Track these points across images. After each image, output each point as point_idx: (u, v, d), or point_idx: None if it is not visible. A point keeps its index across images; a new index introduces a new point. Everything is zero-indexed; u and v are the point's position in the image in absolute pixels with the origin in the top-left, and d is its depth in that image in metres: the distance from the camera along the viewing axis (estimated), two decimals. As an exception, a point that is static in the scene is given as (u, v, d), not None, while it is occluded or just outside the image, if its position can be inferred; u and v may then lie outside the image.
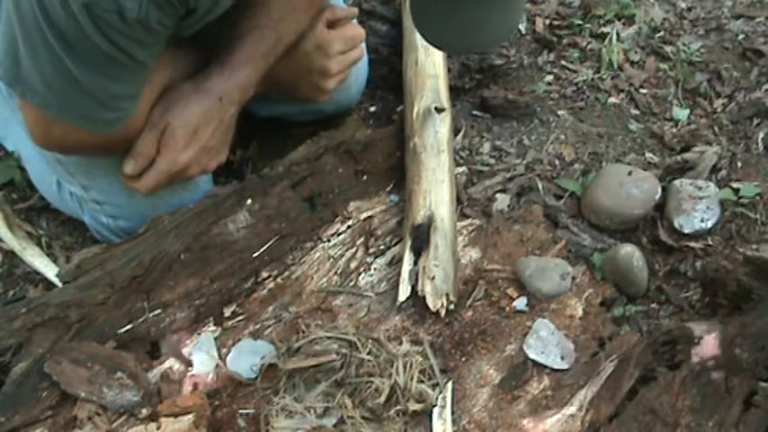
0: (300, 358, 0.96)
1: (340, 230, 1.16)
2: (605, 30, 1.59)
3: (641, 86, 1.51)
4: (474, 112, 1.45)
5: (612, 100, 1.48)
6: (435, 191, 1.13)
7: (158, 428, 0.89)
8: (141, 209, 1.08)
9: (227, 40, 1.03)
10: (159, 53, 0.92)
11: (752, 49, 1.55)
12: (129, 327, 0.99)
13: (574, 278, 1.11)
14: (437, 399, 0.96)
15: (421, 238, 1.07)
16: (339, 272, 1.12)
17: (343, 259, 1.13)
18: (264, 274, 1.09)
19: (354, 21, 1.20)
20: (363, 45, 1.22)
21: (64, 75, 0.84)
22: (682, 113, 1.44)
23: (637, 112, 1.47)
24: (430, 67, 1.30)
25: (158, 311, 1.01)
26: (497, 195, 1.27)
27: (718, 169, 1.32)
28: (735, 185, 1.27)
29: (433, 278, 1.03)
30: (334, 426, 0.92)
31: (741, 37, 1.60)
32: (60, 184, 1.16)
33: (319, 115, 1.33)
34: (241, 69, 1.03)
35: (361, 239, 1.16)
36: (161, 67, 0.96)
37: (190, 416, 0.90)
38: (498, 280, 1.11)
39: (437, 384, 0.98)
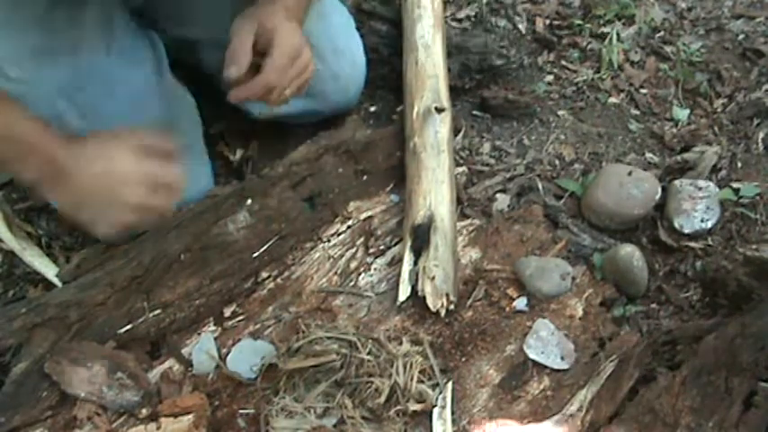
0: (300, 358, 0.96)
1: (340, 230, 1.16)
2: (605, 30, 1.59)
3: (641, 86, 1.51)
4: (474, 112, 1.45)
5: (612, 100, 1.48)
6: (435, 191, 1.13)
7: (158, 428, 0.89)
8: None
9: None
10: None
11: (752, 49, 1.55)
12: (129, 327, 0.99)
13: (574, 278, 1.11)
14: (437, 399, 0.96)
15: (421, 238, 1.07)
16: (339, 272, 1.12)
17: (343, 259, 1.13)
18: (264, 274, 1.09)
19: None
20: (312, 66, 1.12)
21: None
22: (682, 113, 1.44)
23: (637, 112, 1.47)
24: (430, 67, 1.30)
25: (158, 311, 1.01)
26: (497, 195, 1.27)
27: (718, 169, 1.32)
28: (735, 185, 1.27)
29: (433, 278, 1.03)
30: (334, 426, 0.92)
31: (741, 37, 1.60)
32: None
33: (318, 117, 1.33)
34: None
35: (361, 239, 1.16)
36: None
37: (190, 416, 0.90)
38: (498, 280, 1.11)
39: (437, 384, 0.98)
